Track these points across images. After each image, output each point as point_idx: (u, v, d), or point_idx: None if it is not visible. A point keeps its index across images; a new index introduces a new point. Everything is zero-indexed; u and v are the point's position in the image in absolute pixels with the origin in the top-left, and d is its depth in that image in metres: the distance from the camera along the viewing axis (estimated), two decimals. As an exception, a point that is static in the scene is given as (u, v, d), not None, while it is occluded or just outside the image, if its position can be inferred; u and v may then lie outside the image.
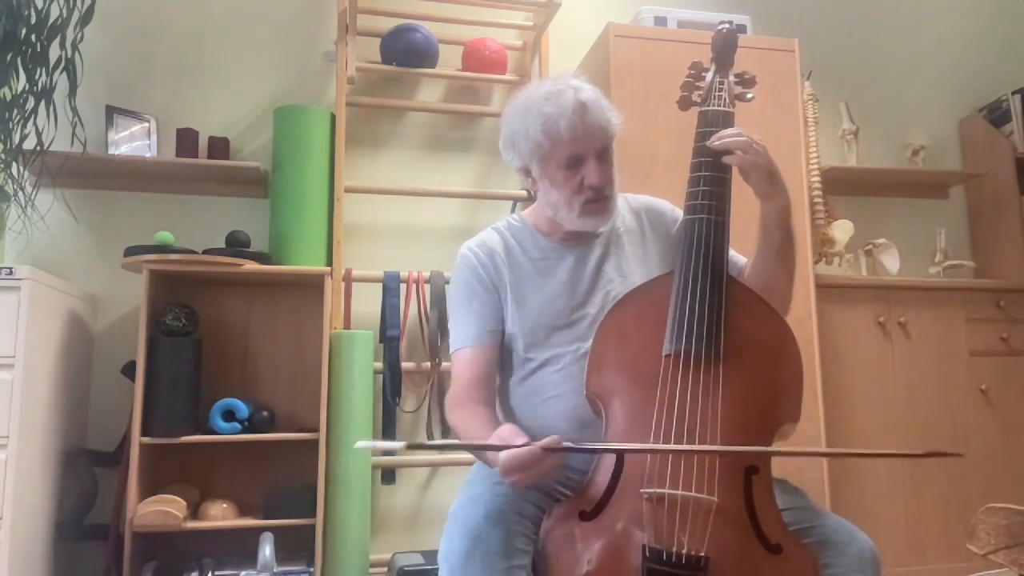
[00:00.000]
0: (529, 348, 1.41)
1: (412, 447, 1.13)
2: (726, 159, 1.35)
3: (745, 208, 1.41)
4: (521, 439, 1.13)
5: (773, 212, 1.37)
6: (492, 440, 1.16)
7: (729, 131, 1.37)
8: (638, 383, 1.26)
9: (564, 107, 1.33)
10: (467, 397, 1.38)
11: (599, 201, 1.39)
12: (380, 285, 2.70)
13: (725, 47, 1.52)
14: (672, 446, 1.19)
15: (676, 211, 1.52)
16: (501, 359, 1.47)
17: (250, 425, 2.43)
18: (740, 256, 1.50)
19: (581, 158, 1.36)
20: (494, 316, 1.44)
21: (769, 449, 1.22)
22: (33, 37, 2.30)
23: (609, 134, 1.39)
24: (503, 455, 1.12)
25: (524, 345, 1.41)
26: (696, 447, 1.19)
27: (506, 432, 1.17)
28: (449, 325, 1.50)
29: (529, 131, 1.36)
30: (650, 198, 1.57)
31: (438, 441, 1.09)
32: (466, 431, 1.33)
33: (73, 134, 2.34)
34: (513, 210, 2.84)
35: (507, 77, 2.98)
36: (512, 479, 1.14)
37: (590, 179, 1.36)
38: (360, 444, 1.14)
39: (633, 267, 1.46)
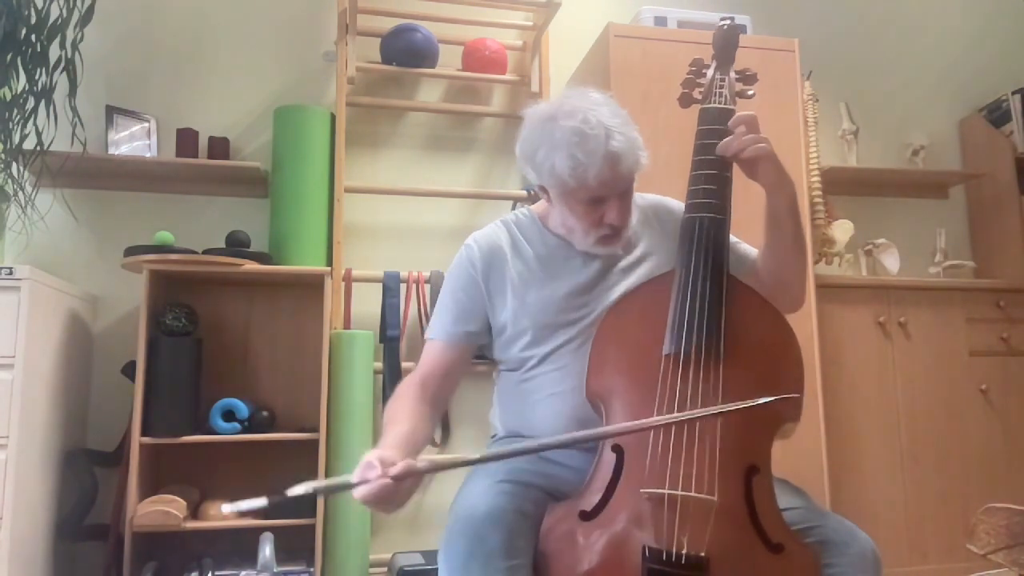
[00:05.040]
0: (530, 344, 1.40)
1: (273, 503, 1.10)
2: (743, 155, 1.32)
3: (746, 202, 1.41)
4: (375, 471, 1.07)
5: (784, 200, 1.35)
6: (357, 469, 1.09)
7: (730, 139, 1.33)
8: (638, 383, 1.26)
9: (594, 155, 1.29)
10: (415, 390, 1.37)
11: (615, 236, 1.39)
12: (380, 285, 2.70)
13: (726, 43, 1.51)
14: (576, 434, 1.18)
15: None
16: (500, 356, 1.47)
17: (250, 425, 2.43)
18: (751, 248, 1.49)
19: (604, 199, 1.35)
20: (476, 317, 1.44)
21: (683, 416, 1.19)
22: (33, 37, 2.30)
23: (635, 174, 1.37)
24: (358, 492, 1.07)
25: (526, 341, 1.41)
26: (622, 427, 1.20)
27: (373, 458, 1.09)
28: (435, 308, 1.50)
29: (556, 168, 1.32)
30: (660, 197, 1.56)
31: (300, 490, 1.04)
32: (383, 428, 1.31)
33: (73, 134, 2.34)
34: (513, 209, 2.84)
35: (507, 77, 2.98)
36: (374, 509, 1.12)
37: (610, 218, 1.36)
38: (225, 508, 1.09)
39: (640, 266, 1.45)
